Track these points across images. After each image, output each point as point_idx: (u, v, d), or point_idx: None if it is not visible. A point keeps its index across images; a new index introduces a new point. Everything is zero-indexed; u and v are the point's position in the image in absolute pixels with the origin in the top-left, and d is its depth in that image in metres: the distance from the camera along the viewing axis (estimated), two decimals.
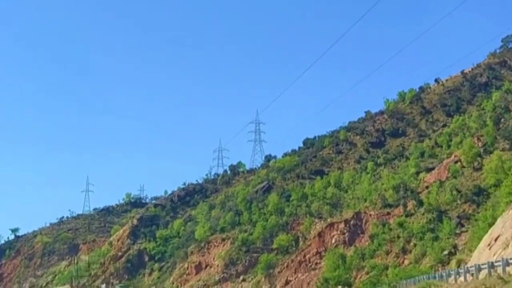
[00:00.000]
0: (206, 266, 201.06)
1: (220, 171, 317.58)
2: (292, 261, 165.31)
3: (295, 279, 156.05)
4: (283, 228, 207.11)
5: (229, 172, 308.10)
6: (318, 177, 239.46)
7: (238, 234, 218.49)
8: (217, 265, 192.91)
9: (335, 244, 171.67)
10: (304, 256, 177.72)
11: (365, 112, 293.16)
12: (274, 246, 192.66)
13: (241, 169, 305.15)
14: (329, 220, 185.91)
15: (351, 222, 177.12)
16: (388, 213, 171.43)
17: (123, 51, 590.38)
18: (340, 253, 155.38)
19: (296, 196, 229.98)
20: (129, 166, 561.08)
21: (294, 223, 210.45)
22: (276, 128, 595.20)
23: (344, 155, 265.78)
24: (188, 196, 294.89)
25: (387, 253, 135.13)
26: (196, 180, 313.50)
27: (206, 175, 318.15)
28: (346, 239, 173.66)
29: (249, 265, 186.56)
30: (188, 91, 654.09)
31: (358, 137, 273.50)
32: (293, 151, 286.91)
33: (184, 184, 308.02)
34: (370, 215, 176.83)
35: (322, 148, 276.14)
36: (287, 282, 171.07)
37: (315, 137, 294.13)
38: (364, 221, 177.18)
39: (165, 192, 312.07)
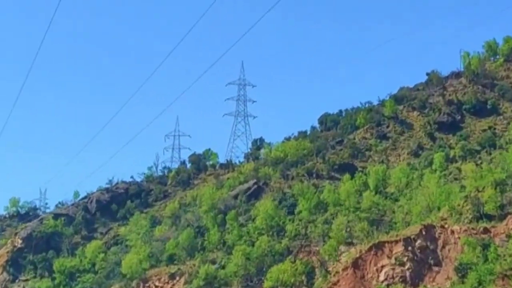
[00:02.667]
0: None
1: (176, 166, 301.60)
2: None
3: None
4: (282, 257, 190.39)
5: (189, 166, 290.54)
6: (347, 175, 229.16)
7: (199, 267, 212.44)
8: None
9: (386, 283, 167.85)
10: None
11: (429, 73, 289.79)
12: (267, 285, 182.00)
13: (210, 162, 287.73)
14: (372, 240, 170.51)
15: (417, 243, 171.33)
16: (487, 230, 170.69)
17: None
18: None
19: (307, 205, 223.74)
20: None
21: (304, 249, 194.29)
22: (274, 96, 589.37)
23: (392, 142, 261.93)
24: (116, 203, 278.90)
25: None
26: (132, 178, 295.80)
27: (149, 169, 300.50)
28: (409, 273, 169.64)
29: None
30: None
31: (416, 113, 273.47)
32: (302, 134, 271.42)
33: (110, 182, 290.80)
34: (453, 231, 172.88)
35: (353, 129, 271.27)
36: None
37: (340, 111, 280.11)
38: (441, 241, 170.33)
39: (75, 194, 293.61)
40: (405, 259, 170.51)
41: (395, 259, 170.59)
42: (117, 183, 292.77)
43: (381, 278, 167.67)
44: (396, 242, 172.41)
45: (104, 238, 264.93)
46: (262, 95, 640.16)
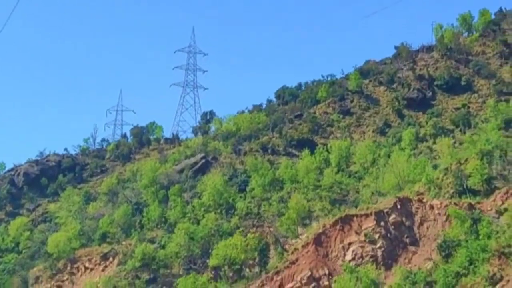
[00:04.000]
0: None
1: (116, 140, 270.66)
2: None
3: None
4: (231, 237, 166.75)
5: (130, 139, 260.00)
6: (306, 151, 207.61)
7: (136, 246, 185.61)
8: None
9: (354, 263, 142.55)
10: (281, 286, 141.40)
11: (398, 46, 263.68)
12: (212, 262, 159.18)
13: (154, 136, 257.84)
14: (338, 214, 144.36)
15: (391, 218, 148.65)
16: (472, 206, 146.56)
17: None
18: (371, 279, 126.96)
19: (261, 181, 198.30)
20: None
21: (256, 230, 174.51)
22: (228, 67, 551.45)
23: (356, 118, 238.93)
24: (46, 177, 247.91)
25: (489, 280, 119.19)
26: (65, 150, 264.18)
27: (85, 141, 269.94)
28: (381, 252, 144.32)
29: None
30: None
31: (382, 88, 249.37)
32: (257, 108, 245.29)
33: (41, 155, 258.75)
34: (432, 206, 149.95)
35: (314, 103, 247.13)
36: None
37: (299, 85, 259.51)
38: (418, 217, 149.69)
39: (1, 166, 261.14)
40: (376, 236, 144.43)
41: (365, 235, 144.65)
42: (48, 155, 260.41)
43: (348, 257, 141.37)
44: (367, 216, 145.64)
45: (31, 215, 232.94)
46: (214, 65, 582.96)
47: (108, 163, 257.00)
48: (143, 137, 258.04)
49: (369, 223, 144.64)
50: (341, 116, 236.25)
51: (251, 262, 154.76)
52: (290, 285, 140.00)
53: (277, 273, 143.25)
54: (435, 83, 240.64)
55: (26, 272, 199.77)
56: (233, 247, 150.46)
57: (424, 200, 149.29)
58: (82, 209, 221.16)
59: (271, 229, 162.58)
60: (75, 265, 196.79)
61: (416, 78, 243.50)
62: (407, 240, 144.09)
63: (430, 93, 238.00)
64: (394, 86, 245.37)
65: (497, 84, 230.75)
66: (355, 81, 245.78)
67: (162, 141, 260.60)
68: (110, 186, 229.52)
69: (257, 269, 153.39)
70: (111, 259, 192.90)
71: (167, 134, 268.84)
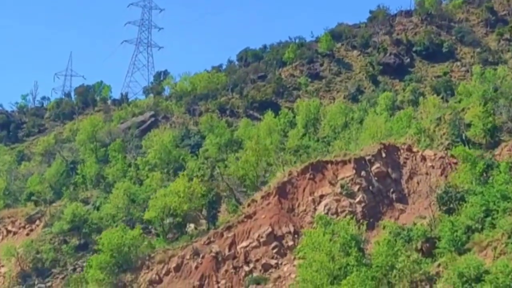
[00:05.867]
0: None
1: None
2: (197, 254, 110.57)
3: None
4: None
5: (74, 99, 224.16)
6: (269, 113, 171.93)
7: (66, 206, 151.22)
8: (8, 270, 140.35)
9: (330, 215, 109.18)
10: (233, 244, 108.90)
11: (373, 10, 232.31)
12: (148, 215, 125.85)
13: (101, 96, 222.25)
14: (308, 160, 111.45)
15: (374, 168, 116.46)
16: None
17: None
18: (351, 235, 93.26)
19: (216, 140, 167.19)
20: None
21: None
22: (186, 25, 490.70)
23: (326, 82, 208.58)
24: None
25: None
26: (0, 106, 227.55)
27: (23, 98, 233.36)
28: (360, 208, 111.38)
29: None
30: None
31: (356, 52, 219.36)
32: (216, 69, 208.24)
33: None
34: (424, 158, 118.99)
35: (280, 65, 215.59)
36: None
37: (264, 46, 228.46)
38: (407, 169, 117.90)
39: None
40: (355, 188, 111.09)
41: (341, 187, 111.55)
42: None
43: (319, 212, 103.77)
44: (344, 164, 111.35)
45: None
46: (170, 22, 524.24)
47: (48, 122, 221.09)
48: (88, 97, 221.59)
49: (347, 172, 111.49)
50: (309, 80, 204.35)
51: (196, 215, 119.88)
52: (244, 243, 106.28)
53: (228, 228, 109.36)
54: (414, 49, 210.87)
55: None
56: (175, 195, 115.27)
57: (415, 150, 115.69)
58: (13, 169, 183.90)
59: (223, 177, 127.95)
60: None
61: (393, 43, 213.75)
62: (393, 196, 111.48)
63: (408, 59, 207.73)
64: (369, 50, 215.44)
65: (483, 52, 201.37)
66: (325, 44, 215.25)
67: (109, 102, 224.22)
68: (47, 146, 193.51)
69: (204, 225, 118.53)
70: (37, 222, 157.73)
71: (116, 95, 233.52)
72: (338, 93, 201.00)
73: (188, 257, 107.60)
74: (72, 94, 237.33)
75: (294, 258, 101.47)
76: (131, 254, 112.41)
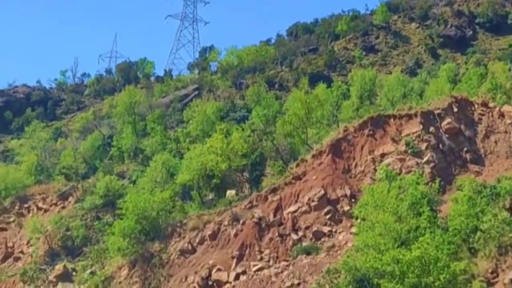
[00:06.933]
0: (10, 249, 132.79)
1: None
2: (237, 220, 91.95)
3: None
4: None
5: (116, 75, 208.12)
6: (321, 85, 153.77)
7: (99, 180, 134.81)
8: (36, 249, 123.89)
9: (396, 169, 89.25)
10: (279, 209, 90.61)
11: None
12: (182, 178, 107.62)
13: (144, 73, 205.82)
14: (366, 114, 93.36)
15: (444, 124, 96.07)
16: None
17: None
18: (421, 192, 74.56)
19: (263, 112, 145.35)
20: None
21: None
22: (232, 1, 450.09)
23: (382, 56, 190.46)
24: (11, 110, 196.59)
25: None
26: (38, 83, 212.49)
27: (62, 74, 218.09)
28: (429, 169, 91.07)
29: None
30: None
31: (414, 25, 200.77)
32: (265, 43, 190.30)
33: (10, 86, 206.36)
34: (502, 114, 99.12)
35: (333, 39, 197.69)
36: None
37: (316, 20, 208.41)
38: (483, 127, 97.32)
39: None
40: (423, 146, 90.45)
41: (406, 144, 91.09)
42: (16, 86, 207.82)
43: (380, 174, 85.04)
44: (409, 118, 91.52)
45: None
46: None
47: (88, 100, 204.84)
48: (131, 74, 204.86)
49: (413, 128, 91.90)
50: (364, 53, 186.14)
51: (237, 177, 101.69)
52: (292, 208, 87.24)
53: (273, 191, 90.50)
54: (476, 20, 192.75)
55: None
56: (212, 153, 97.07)
57: (491, 105, 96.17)
58: (48, 146, 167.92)
59: (268, 134, 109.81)
60: (25, 205, 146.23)
61: (454, 15, 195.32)
62: (467, 156, 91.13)
63: (471, 32, 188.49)
64: (428, 22, 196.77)
65: None
66: (381, 16, 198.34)
67: (152, 79, 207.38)
68: (85, 122, 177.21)
69: (246, 191, 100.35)
70: (70, 198, 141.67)
71: (160, 72, 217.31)
72: (395, 67, 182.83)
73: (226, 223, 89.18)
74: (114, 71, 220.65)
75: (351, 225, 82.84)
76: (160, 220, 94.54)
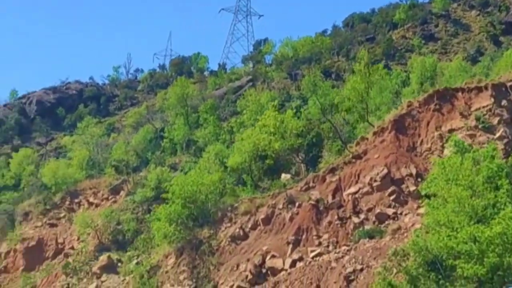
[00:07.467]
0: (61, 245, 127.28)
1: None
2: (292, 203, 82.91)
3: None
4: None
5: (169, 70, 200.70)
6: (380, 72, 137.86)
7: (150, 172, 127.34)
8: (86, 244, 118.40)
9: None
10: (338, 190, 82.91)
11: None
12: (233, 160, 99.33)
13: (197, 67, 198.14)
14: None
15: None
16: None
17: None
18: (498, 164, 65.15)
19: (320, 100, 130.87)
20: None
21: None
22: None
23: (441, 44, 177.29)
24: (64, 107, 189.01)
25: None
26: (90, 79, 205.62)
27: (115, 70, 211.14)
28: (503, 144, 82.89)
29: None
30: None
31: (474, 12, 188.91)
32: (321, 34, 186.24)
33: (62, 83, 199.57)
34: None
35: (390, 28, 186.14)
36: None
37: (373, 10, 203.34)
38: None
39: (12, 94, 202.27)
40: (495, 120, 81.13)
41: (477, 119, 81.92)
42: (68, 83, 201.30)
43: (447, 151, 76.66)
44: (479, 91, 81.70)
45: (42, 149, 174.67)
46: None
47: (141, 95, 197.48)
48: (184, 69, 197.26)
49: (483, 102, 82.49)
50: (423, 41, 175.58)
51: (292, 158, 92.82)
52: (352, 189, 78.24)
53: (332, 171, 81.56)
54: None
55: (13, 207, 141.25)
56: (264, 133, 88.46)
57: None
58: (101, 142, 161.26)
59: (325, 113, 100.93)
60: (76, 200, 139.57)
61: None
62: None
63: None
64: (489, 10, 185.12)
65: None
66: (440, 4, 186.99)
67: (206, 73, 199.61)
68: (138, 117, 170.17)
69: (301, 173, 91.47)
70: (121, 192, 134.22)
71: (214, 67, 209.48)
72: (456, 55, 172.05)
73: (280, 206, 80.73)
74: (168, 66, 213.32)
75: (418, 207, 73.76)
76: (209, 204, 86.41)
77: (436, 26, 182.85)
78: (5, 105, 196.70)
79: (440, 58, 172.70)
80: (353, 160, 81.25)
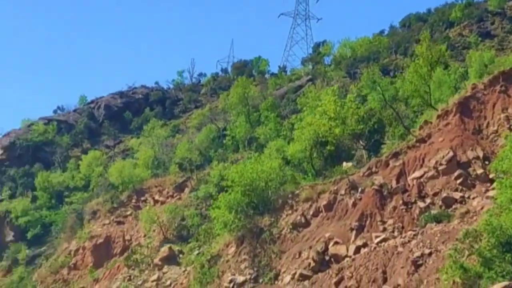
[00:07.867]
0: (128, 242, 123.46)
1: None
2: (355, 189, 76.43)
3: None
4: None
5: (231, 73, 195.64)
6: (439, 68, 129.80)
7: (213, 169, 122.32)
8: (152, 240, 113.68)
9: None
10: (403, 175, 76.10)
11: None
12: (294, 148, 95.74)
13: (258, 69, 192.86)
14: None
15: None
16: None
17: None
18: None
19: (379, 97, 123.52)
20: None
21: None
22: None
23: (498, 41, 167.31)
24: (130, 111, 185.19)
25: None
26: (156, 84, 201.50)
27: (179, 74, 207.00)
28: None
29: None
30: None
31: None
32: (378, 34, 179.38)
33: (129, 88, 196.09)
34: None
35: (447, 26, 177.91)
36: None
37: (429, 10, 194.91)
38: None
39: (81, 99, 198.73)
40: None
41: None
42: (134, 88, 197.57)
43: None
44: None
45: (110, 152, 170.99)
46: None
47: (204, 98, 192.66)
48: (246, 72, 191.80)
49: None
50: (480, 39, 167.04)
51: (353, 144, 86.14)
52: (417, 173, 71.24)
53: (395, 155, 74.74)
54: None
55: (81, 206, 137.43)
56: (324, 118, 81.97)
57: None
58: (167, 143, 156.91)
59: (387, 100, 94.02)
60: (142, 198, 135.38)
61: None
62: None
63: None
64: None
65: None
66: (496, 1, 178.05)
67: (267, 76, 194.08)
68: (202, 118, 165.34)
69: (363, 159, 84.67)
70: (186, 190, 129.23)
71: (274, 69, 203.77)
72: None
73: (343, 192, 74.07)
74: (230, 70, 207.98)
75: (487, 190, 66.55)
76: (269, 191, 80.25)
77: (492, 23, 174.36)
78: (75, 110, 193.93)
79: (497, 54, 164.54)
80: (417, 144, 74.28)
